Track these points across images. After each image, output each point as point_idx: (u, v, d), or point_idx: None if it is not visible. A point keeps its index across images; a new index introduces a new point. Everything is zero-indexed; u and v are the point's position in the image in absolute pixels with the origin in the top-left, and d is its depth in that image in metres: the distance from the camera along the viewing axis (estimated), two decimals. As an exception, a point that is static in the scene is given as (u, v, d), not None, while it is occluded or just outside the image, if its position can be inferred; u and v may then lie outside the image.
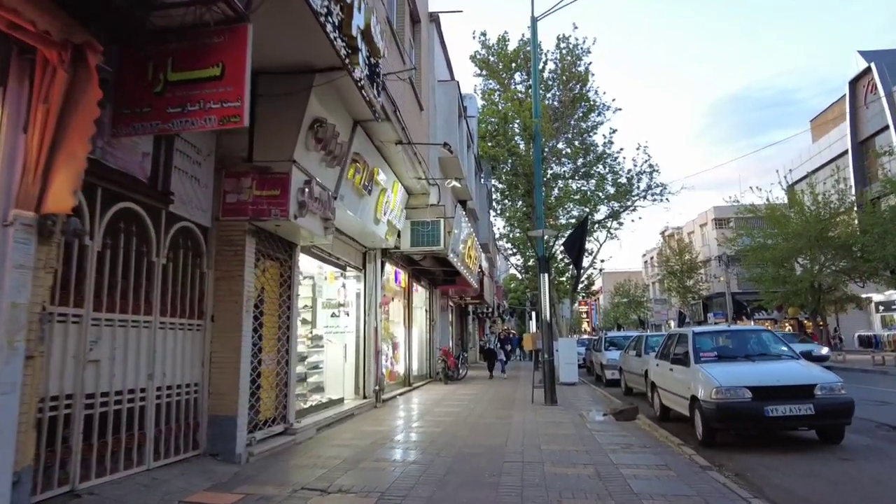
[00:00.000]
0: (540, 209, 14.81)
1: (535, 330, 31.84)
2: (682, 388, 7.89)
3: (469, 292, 22.50)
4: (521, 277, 43.58)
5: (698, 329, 8.66)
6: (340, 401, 10.11)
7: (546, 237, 11.73)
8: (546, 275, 11.41)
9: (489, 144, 17.90)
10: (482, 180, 22.50)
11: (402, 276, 14.93)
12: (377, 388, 11.26)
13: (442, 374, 16.66)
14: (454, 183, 11.12)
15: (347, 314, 11.32)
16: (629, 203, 24.56)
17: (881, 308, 33.25)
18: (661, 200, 25.31)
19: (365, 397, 11.08)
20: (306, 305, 10.65)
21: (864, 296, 29.92)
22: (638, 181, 24.64)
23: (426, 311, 18.28)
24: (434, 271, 16.79)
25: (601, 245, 26.18)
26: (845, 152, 32.31)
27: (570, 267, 23.03)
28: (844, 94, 32.23)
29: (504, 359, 18.72)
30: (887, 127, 28.77)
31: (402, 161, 9.78)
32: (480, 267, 21.30)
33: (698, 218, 53.04)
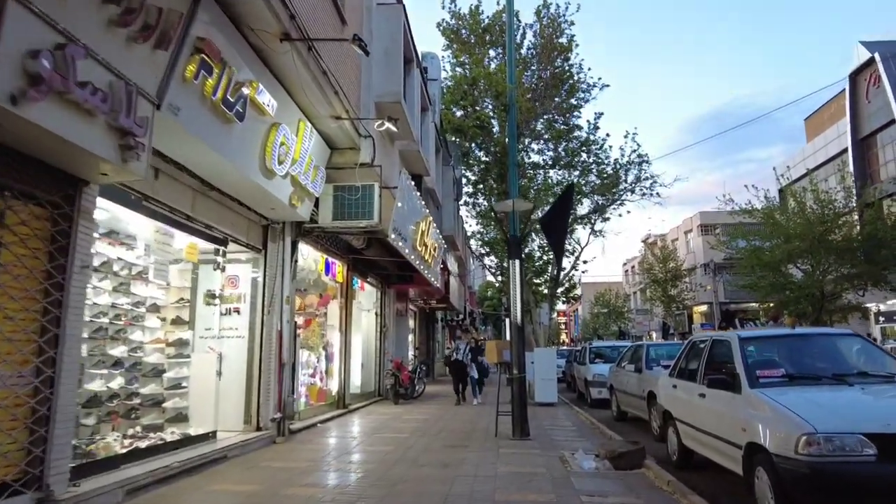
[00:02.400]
0: (514, 192, 11.85)
1: (473, 325, 28.45)
2: (725, 426, 4.87)
3: (433, 294, 19.37)
4: (497, 283, 40.58)
5: (746, 333, 5.59)
6: (208, 437, 6.89)
7: (518, 209, 8.68)
8: (517, 262, 8.36)
9: (456, 115, 14.88)
10: (452, 166, 19.45)
11: (338, 267, 11.77)
12: (279, 415, 8.06)
13: (391, 391, 13.47)
14: (387, 125, 8.02)
15: (238, 312, 8.13)
16: (616, 197, 21.84)
17: (881, 319, 30.87)
18: (651, 195, 22.78)
19: (259, 429, 7.87)
20: (182, 299, 7.49)
21: (864, 305, 27.46)
22: (626, 172, 21.95)
23: (377, 314, 15.12)
24: (384, 264, 13.66)
25: (583, 247, 23.37)
26: (844, 151, 30.01)
27: (549, 264, 19.97)
28: (844, 89, 29.98)
29: (476, 376, 13.75)
30: (893, 121, 26.48)
31: (306, 86, 6.69)
32: (445, 265, 18.20)
33: (683, 225, 50.75)
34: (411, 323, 21.40)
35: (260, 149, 6.47)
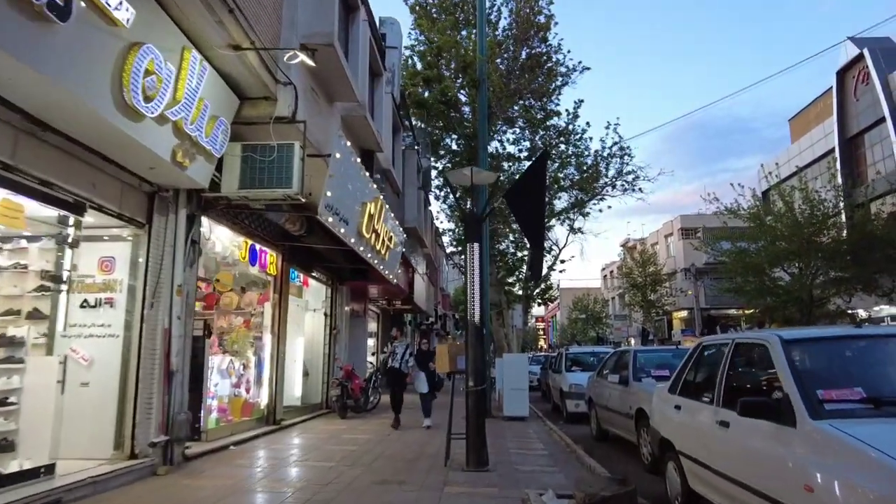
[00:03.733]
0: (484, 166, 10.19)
1: (445, 329, 26.78)
2: (769, 477, 3.16)
3: (397, 294, 17.55)
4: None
5: (791, 333, 3.78)
6: (40, 472, 4.99)
7: (481, 182, 6.93)
8: (476, 245, 6.61)
9: (418, 89, 13.11)
10: (417, 151, 17.66)
11: (270, 256, 9.93)
12: (162, 438, 6.18)
13: (337, 404, 11.60)
14: (301, 56, 6.21)
15: (111, 304, 6.26)
16: (597, 191, 20.29)
17: (866, 325, 29.78)
18: (634, 190, 21.30)
19: (133, 456, 5.99)
20: (41, 286, 5.63)
21: (853, 311, 26.30)
22: (607, 166, 20.41)
23: (326, 315, 13.27)
24: (331, 256, 11.83)
25: (561, 248, 21.78)
26: (831, 151, 28.94)
27: (522, 263, 18.24)
28: (831, 87, 28.94)
29: (427, 391, 10.26)
30: (883, 119, 25.42)
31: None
32: (408, 261, 16.41)
33: (663, 228, 49.65)
34: (372, 326, 19.54)
35: (112, 74, 4.63)
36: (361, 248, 9.59)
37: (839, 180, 23.77)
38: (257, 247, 9.39)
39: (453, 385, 7.15)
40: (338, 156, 7.55)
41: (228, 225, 8.29)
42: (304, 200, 6.79)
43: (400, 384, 10.65)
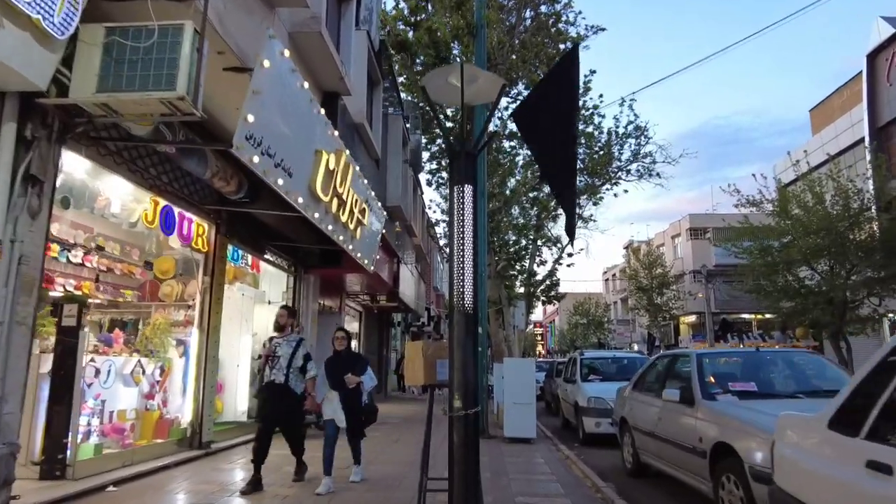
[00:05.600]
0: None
1: (431, 339, 24.12)
2: None
3: (378, 288, 15.10)
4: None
5: None
6: None
7: (478, 100, 4.48)
8: (468, 188, 4.14)
9: (399, 25, 10.71)
10: (404, 117, 15.22)
11: (198, 226, 7.52)
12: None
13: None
14: None
15: None
16: (611, 176, 17.94)
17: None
18: (651, 175, 18.94)
19: None
20: None
21: (889, 313, 23.87)
22: (621, 147, 18.07)
23: (297, 310, 10.80)
24: (290, 234, 9.42)
25: (568, 243, 19.38)
26: (860, 141, 26.60)
27: (524, 252, 15.71)
28: (860, 72, 26.64)
29: (344, 423, 5.87)
30: (921, 104, 23.10)
31: None
32: (392, 249, 13.98)
33: (670, 229, 47.27)
34: (353, 326, 17.09)
35: None
36: (317, 216, 7.14)
37: (883, 170, 21.35)
38: (175, 210, 6.96)
39: (431, 403, 4.72)
40: (266, 64, 5.14)
41: (126, 174, 5.88)
42: (198, 115, 4.38)
43: (283, 411, 5.83)
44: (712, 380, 5.16)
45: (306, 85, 6.20)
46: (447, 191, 22.01)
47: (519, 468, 7.15)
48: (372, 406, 6.18)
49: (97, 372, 6.12)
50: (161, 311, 7.76)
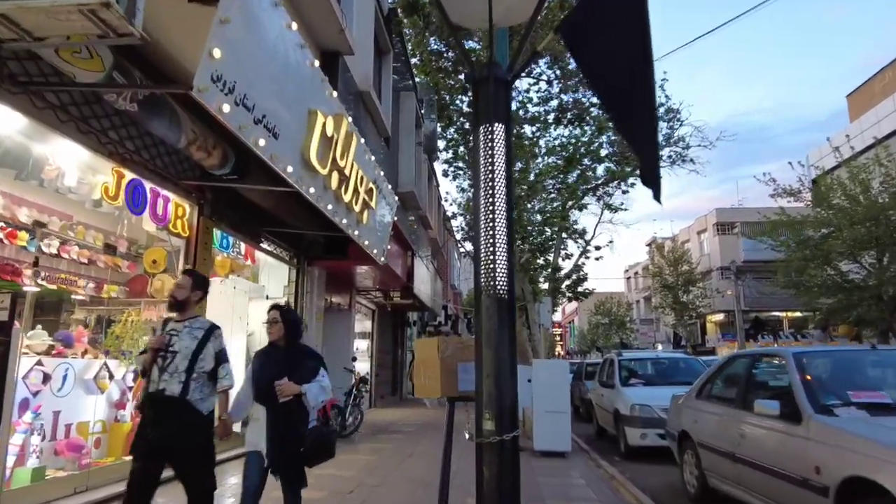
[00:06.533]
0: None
1: (457, 333, 22.94)
2: None
3: (392, 283, 13.97)
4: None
5: None
6: None
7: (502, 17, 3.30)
8: (499, 127, 2.95)
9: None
10: (420, 100, 14.07)
11: (176, 206, 6.43)
12: None
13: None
14: None
15: None
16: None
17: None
18: (685, 161, 17.62)
19: None
20: None
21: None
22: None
23: (300, 307, 9.74)
24: (291, 221, 8.31)
25: (593, 235, 18.19)
26: (904, 126, 24.90)
27: (549, 244, 14.40)
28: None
29: (277, 457, 3.48)
30: (976, 83, 21.40)
31: None
32: (403, 238, 12.85)
33: (695, 224, 45.52)
34: (366, 325, 15.99)
35: None
36: (313, 191, 6.01)
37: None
38: (147, 186, 5.87)
39: (451, 421, 3.52)
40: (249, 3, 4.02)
41: (76, 135, 4.79)
42: (137, 34, 3.27)
43: (178, 442, 3.52)
44: (816, 385, 3.91)
45: (294, 26, 5.07)
46: (465, 181, 20.78)
47: (555, 491, 5.96)
48: (323, 435, 3.68)
49: (45, 377, 5.05)
50: (153, 309, 6.71)
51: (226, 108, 4.18)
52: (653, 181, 3.00)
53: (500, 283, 2.96)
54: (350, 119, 6.73)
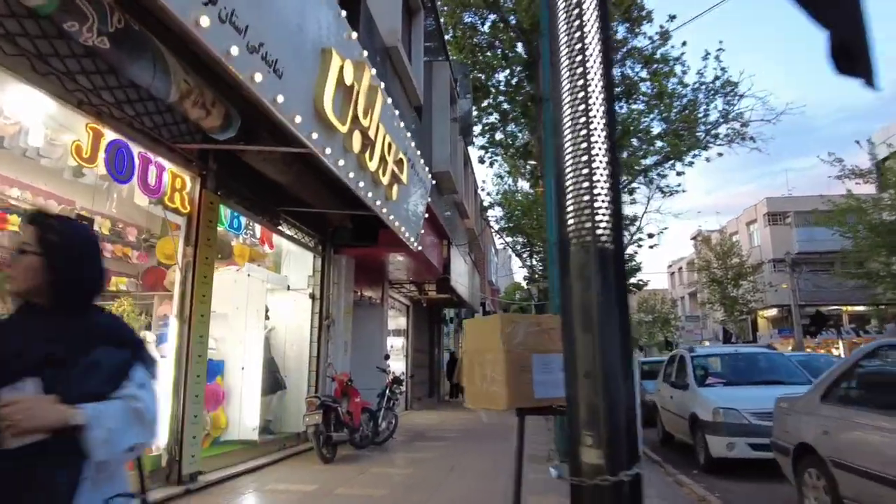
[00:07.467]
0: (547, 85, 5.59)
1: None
2: None
3: (425, 274, 12.90)
4: (525, 281, 33.62)
5: None
6: None
7: None
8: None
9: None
10: (453, 70, 12.97)
11: (173, 177, 5.47)
12: None
13: (317, 441, 6.92)
14: None
15: None
16: (698, 139, 15.34)
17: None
18: (745, 140, 16.08)
19: None
20: None
21: None
22: (707, 106, 15.40)
23: (314, 297, 8.77)
24: (309, 198, 7.31)
25: (642, 216, 16.88)
26: None
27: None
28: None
29: None
30: None
31: None
32: (438, 224, 11.77)
33: (744, 215, 43.19)
34: (400, 321, 14.97)
35: None
36: (329, 152, 4.97)
37: None
38: (135, 150, 4.91)
39: (521, 440, 2.41)
40: None
41: (32, 77, 3.83)
42: None
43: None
44: None
45: (351, 35, 4.02)
46: (503, 168, 19.44)
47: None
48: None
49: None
50: (167, 303, 5.80)
51: (204, 21, 3.15)
52: (859, 58, 1.67)
53: (603, 224, 1.67)
54: (374, 70, 5.66)
